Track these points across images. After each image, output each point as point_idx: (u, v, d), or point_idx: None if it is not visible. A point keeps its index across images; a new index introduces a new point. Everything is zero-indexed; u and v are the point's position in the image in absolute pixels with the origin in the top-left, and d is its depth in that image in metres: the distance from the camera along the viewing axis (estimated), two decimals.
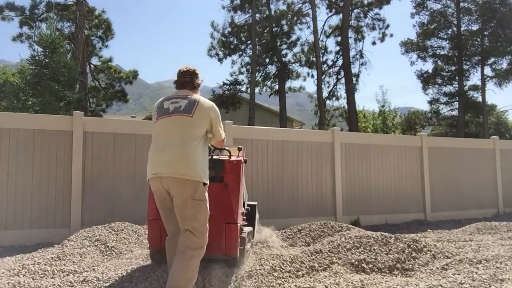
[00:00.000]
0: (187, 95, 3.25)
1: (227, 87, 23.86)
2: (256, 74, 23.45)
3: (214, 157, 3.88)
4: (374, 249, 4.13)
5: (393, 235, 4.41)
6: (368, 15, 25.01)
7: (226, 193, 3.70)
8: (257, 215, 4.77)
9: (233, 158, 3.93)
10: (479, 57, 25.31)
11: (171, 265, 3.05)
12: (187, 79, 3.33)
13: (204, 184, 3.09)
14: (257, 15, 23.57)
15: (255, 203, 4.73)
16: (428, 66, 39.62)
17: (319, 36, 22.53)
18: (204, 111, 3.18)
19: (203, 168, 3.10)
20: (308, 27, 25.76)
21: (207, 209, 3.11)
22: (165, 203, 3.15)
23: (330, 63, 25.91)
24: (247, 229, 4.10)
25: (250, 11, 23.11)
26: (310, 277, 3.67)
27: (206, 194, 3.14)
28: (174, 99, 3.24)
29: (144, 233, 5.21)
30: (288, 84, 25.82)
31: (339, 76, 25.07)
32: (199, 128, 3.13)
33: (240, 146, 4.15)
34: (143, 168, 6.24)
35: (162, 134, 3.13)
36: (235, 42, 24.81)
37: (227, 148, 4.03)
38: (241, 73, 25.12)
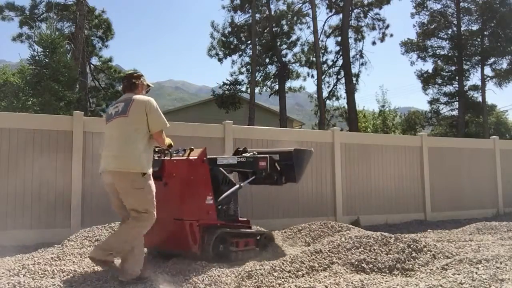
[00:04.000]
0: (127, 97, 3.65)
1: (227, 87, 23.83)
2: (256, 74, 23.43)
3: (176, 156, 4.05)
4: (374, 249, 4.12)
5: (393, 235, 4.41)
6: (368, 15, 24.99)
7: (169, 191, 3.85)
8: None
9: (181, 158, 3.99)
10: (479, 57, 25.29)
11: None
12: (125, 83, 3.76)
13: (144, 173, 3.46)
14: (257, 15, 23.55)
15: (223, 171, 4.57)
16: (428, 66, 39.55)
17: (319, 36, 22.51)
18: (138, 107, 3.53)
19: (142, 159, 3.48)
20: (308, 27, 25.77)
21: (149, 194, 3.48)
22: (115, 193, 3.55)
23: (330, 63, 25.89)
24: (221, 230, 4.15)
25: (250, 11, 23.09)
26: (310, 277, 3.67)
27: (149, 182, 3.51)
28: (115, 104, 3.69)
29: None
30: (288, 84, 25.81)
31: (339, 76, 25.05)
32: (135, 124, 3.51)
33: (192, 147, 4.12)
34: None
35: (108, 136, 3.63)
36: (235, 42, 24.79)
37: (192, 148, 4.08)
38: (241, 73, 25.11)
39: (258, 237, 4.70)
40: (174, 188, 3.87)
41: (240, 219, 4.70)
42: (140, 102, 3.55)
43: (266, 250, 4.67)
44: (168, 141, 3.80)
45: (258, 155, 4.67)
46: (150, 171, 3.58)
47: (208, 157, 4.23)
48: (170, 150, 3.96)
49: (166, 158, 4.00)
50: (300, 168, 4.82)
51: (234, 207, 4.62)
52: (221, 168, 4.54)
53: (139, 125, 3.51)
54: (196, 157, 3.96)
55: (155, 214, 3.51)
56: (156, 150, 3.97)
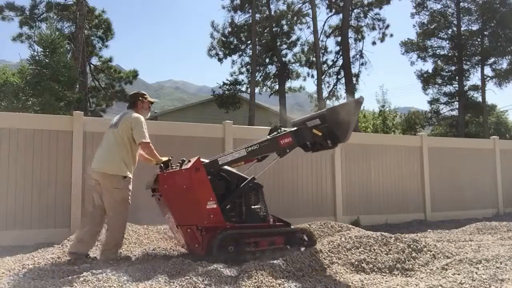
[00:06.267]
0: (124, 113, 4.45)
1: (227, 87, 23.82)
2: (256, 74, 23.43)
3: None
4: (374, 249, 4.12)
5: (393, 235, 4.41)
6: (368, 15, 25.00)
7: (165, 201, 4.20)
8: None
9: (174, 170, 4.24)
10: (479, 57, 25.32)
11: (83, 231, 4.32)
12: (129, 101, 4.59)
13: (125, 177, 4.22)
14: (257, 15, 23.54)
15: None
16: (428, 66, 39.58)
17: (319, 36, 22.52)
18: (126, 122, 4.28)
19: (121, 165, 4.21)
20: (308, 27, 25.75)
21: (123, 196, 4.22)
22: (96, 190, 4.32)
23: (330, 63, 25.89)
24: (230, 231, 4.19)
25: (250, 11, 23.10)
26: (310, 277, 3.67)
27: (128, 185, 4.25)
28: (117, 115, 4.50)
29: (144, 233, 5.21)
30: (288, 84, 25.79)
31: (339, 76, 25.06)
32: (122, 135, 4.24)
33: (184, 158, 4.38)
34: (143, 168, 6.24)
35: (103, 140, 4.41)
36: (235, 42, 24.79)
37: (184, 159, 4.34)
38: (241, 73, 25.09)
39: (296, 235, 4.66)
40: (168, 198, 4.17)
41: (273, 218, 4.72)
42: (128, 119, 4.31)
43: (302, 248, 4.53)
44: (163, 159, 4.36)
45: (279, 134, 4.61)
46: (130, 174, 4.30)
47: (208, 161, 4.28)
48: (167, 163, 4.37)
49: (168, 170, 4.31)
50: (343, 126, 4.49)
51: (260, 206, 4.60)
52: (228, 167, 4.46)
53: (124, 136, 4.24)
54: (187, 167, 4.10)
55: (126, 213, 4.26)
56: (162, 166, 4.38)
